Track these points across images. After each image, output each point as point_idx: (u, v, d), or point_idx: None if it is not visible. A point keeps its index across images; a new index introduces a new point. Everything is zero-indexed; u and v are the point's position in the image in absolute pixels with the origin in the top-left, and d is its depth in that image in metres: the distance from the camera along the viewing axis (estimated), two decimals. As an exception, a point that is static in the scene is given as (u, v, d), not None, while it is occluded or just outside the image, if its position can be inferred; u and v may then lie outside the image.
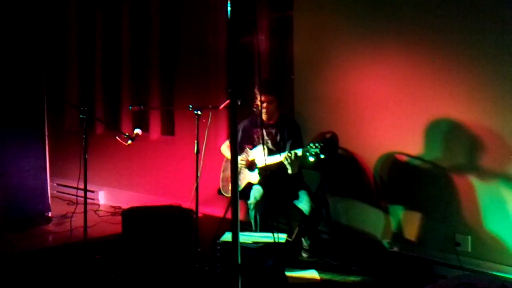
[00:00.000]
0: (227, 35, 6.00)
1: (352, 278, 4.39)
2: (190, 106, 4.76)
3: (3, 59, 5.76)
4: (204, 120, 4.76)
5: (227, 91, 5.99)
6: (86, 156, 4.59)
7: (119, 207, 6.54)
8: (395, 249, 4.87)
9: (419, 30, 4.64)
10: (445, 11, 4.48)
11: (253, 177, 4.86)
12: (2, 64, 5.76)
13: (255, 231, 4.70)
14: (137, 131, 4.91)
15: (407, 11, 4.72)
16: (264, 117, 4.88)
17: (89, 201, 5.06)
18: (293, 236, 4.93)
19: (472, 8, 4.36)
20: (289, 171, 4.59)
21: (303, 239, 4.87)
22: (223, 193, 5.07)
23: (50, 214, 6.09)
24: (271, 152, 4.79)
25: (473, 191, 4.41)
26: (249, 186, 4.85)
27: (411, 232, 4.77)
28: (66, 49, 7.74)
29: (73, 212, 5.34)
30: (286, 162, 4.56)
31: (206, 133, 4.73)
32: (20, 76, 5.87)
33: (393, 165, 4.88)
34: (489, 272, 4.26)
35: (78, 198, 5.12)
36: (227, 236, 4.30)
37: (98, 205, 6.91)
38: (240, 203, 3.19)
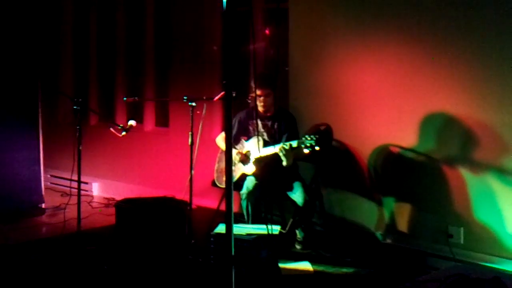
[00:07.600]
0: (222, 27, 5.98)
1: (345, 270, 4.40)
2: (185, 97, 4.74)
3: (-4, 49, 5.73)
4: (198, 112, 4.74)
5: (222, 83, 5.97)
6: (80, 148, 4.59)
7: (113, 199, 6.53)
8: (388, 241, 4.89)
9: (416, 25, 4.64)
10: (443, 7, 4.49)
11: (247, 168, 4.86)
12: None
13: (247, 221, 4.70)
14: (131, 122, 4.89)
15: (405, 6, 4.71)
16: (261, 110, 4.87)
17: (82, 192, 5.05)
18: (287, 228, 4.94)
19: (472, 2, 4.36)
20: (284, 163, 4.58)
21: (296, 231, 4.88)
22: (218, 184, 5.06)
23: (43, 206, 6.08)
24: (266, 144, 4.78)
25: (466, 184, 4.43)
26: (244, 177, 4.84)
27: (404, 224, 4.79)
28: (60, 39, 7.69)
29: (67, 204, 5.32)
30: (281, 154, 4.55)
31: (200, 125, 4.72)
32: (13, 66, 5.83)
33: (387, 157, 4.89)
34: (481, 263, 4.29)
35: (72, 189, 5.12)
36: (221, 228, 4.30)
37: (92, 196, 6.90)
38: (234, 195, 3.20)
